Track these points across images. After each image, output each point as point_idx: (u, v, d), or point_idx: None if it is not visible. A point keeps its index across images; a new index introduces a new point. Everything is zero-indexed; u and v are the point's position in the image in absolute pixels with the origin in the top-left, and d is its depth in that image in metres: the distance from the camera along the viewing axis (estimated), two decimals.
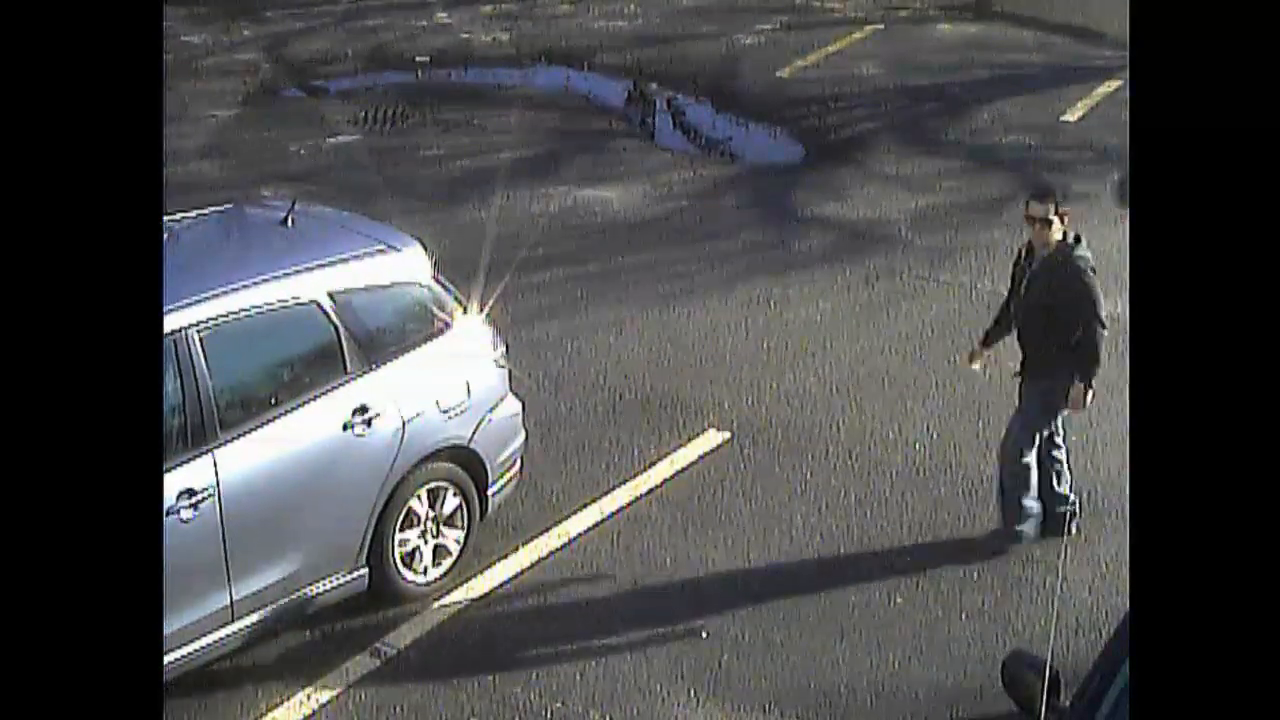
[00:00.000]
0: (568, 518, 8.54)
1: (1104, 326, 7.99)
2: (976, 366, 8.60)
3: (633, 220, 12.59)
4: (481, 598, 7.94)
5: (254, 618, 7.22)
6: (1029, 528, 8.28)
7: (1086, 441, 9.34)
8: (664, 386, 9.93)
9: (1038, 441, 8.20)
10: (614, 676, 7.39)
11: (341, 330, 7.46)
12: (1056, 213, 7.96)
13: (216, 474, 6.94)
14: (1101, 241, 11.90)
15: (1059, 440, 8.33)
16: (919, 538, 8.44)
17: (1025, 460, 8.18)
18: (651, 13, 17.94)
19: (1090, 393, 8.00)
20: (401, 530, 7.73)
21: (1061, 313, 7.98)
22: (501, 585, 8.03)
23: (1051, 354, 8.02)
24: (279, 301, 7.31)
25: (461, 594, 7.93)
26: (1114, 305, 10.85)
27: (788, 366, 10.24)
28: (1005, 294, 8.41)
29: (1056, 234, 7.98)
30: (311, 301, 7.41)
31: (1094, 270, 8.02)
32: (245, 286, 7.22)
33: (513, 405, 8.26)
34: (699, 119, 15.15)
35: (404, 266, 7.89)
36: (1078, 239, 8.04)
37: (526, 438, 8.41)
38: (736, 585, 8.04)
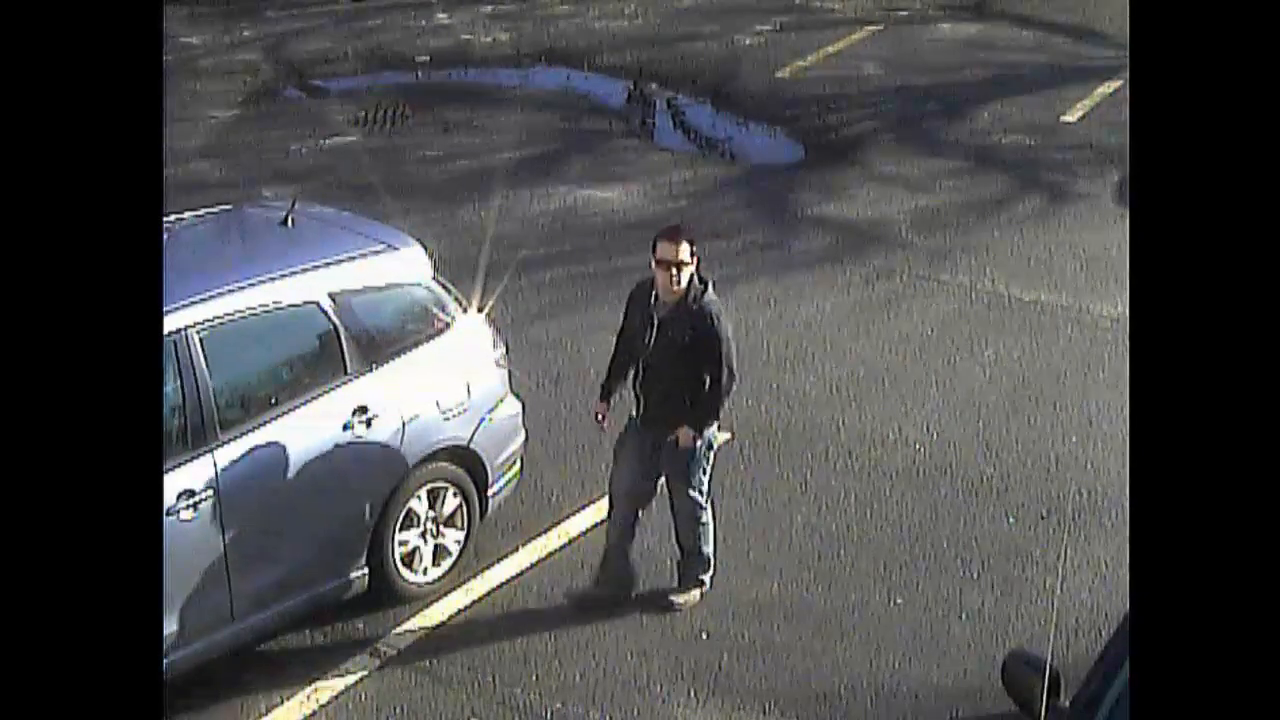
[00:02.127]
0: (568, 518, 8.54)
1: (734, 379, 7.48)
2: (606, 425, 7.86)
3: (633, 220, 12.58)
4: (481, 598, 7.94)
5: (254, 618, 7.23)
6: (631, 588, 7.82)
7: (1087, 441, 9.36)
8: None
9: (695, 493, 7.66)
10: (614, 676, 7.39)
11: (341, 330, 7.47)
12: (692, 253, 7.30)
13: (216, 474, 6.94)
14: (1102, 241, 11.99)
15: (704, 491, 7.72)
16: (919, 538, 8.43)
17: (705, 520, 7.71)
18: (651, 13, 17.94)
19: (696, 440, 7.48)
20: (401, 530, 7.72)
21: (695, 363, 7.39)
22: (501, 585, 8.03)
23: (682, 405, 7.46)
24: (279, 301, 7.31)
25: (461, 594, 7.93)
26: (1114, 305, 10.96)
27: (788, 366, 10.24)
28: (637, 335, 7.54)
29: (686, 277, 7.32)
30: (311, 302, 7.41)
31: (724, 317, 7.43)
32: (245, 286, 7.22)
33: (513, 405, 8.27)
34: (699, 119, 15.15)
35: (404, 266, 7.89)
36: (704, 282, 7.40)
37: (526, 438, 8.41)
38: (736, 585, 8.04)
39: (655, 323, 7.43)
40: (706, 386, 7.40)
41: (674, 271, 7.28)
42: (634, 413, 7.67)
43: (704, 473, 7.64)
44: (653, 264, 7.37)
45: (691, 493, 7.63)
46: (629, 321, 7.64)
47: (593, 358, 10.27)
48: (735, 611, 7.84)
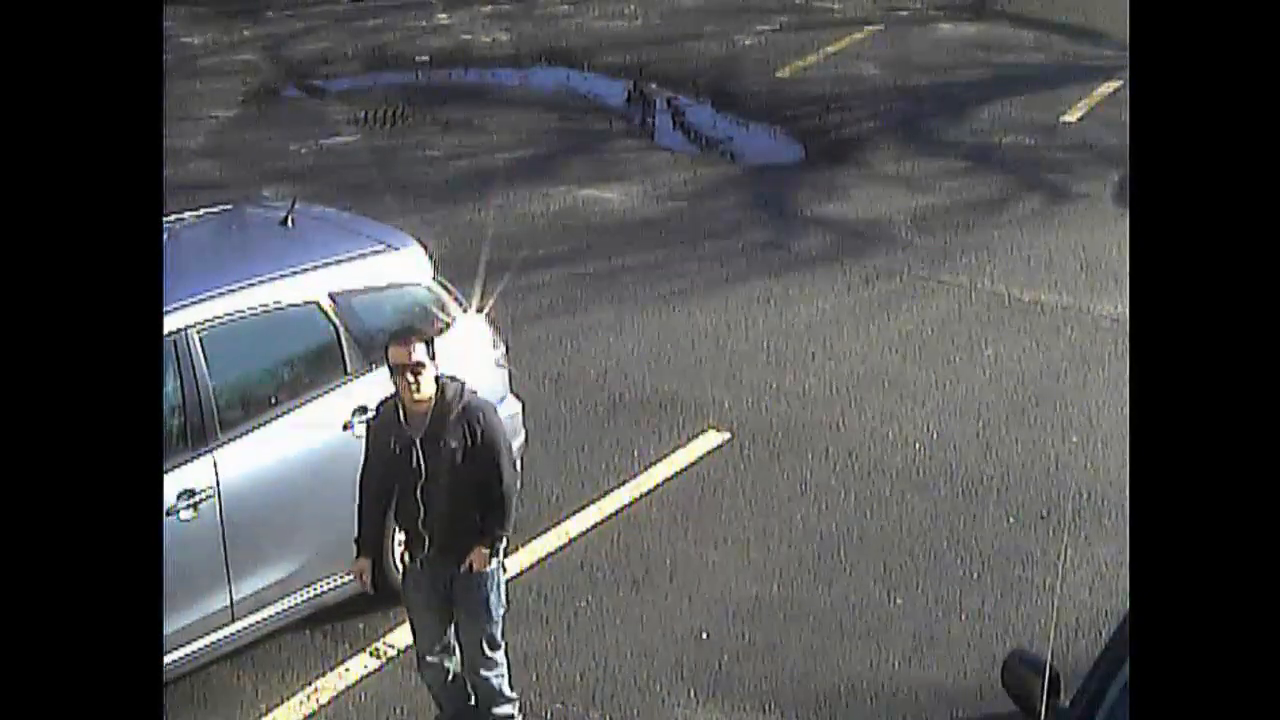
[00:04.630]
0: (568, 518, 8.55)
1: (518, 478, 6.68)
2: (369, 584, 6.77)
3: (633, 220, 12.60)
4: None
5: (254, 618, 7.23)
6: None
7: (1087, 441, 9.35)
8: (664, 386, 9.93)
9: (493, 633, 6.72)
10: (614, 676, 7.39)
11: (341, 330, 7.47)
12: (430, 353, 6.37)
13: (216, 474, 6.94)
14: (1102, 241, 11.99)
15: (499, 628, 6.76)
16: (919, 538, 8.43)
17: (499, 659, 6.74)
18: (651, 13, 17.94)
19: (491, 557, 6.55)
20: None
21: (476, 474, 6.44)
22: None
23: (472, 526, 6.51)
24: (279, 301, 7.31)
25: None
26: (1114, 305, 10.96)
27: (788, 366, 10.25)
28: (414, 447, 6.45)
29: (429, 383, 6.36)
30: (311, 301, 7.42)
31: (494, 413, 6.58)
32: (245, 286, 7.23)
33: (513, 405, 8.26)
34: (699, 119, 15.16)
35: (404, 266, 7.89)
36: (460, 382, 6.50)
37: (526, 438, 8.40)
38: (736, 585, 8.04)
39: (416, 444, 6.42)
40: (493, 496, 6.50)
41: (411, 378, 6.31)
42: (408, 557, 6.70)
43: (500, 601, 6.68)
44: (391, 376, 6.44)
45: (485, 627, 6.66)
46: (377, 452, 6.57)
47: (593, 358, 10.30)
48: (735, 611, 7.85)
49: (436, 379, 6.41)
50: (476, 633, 6.69)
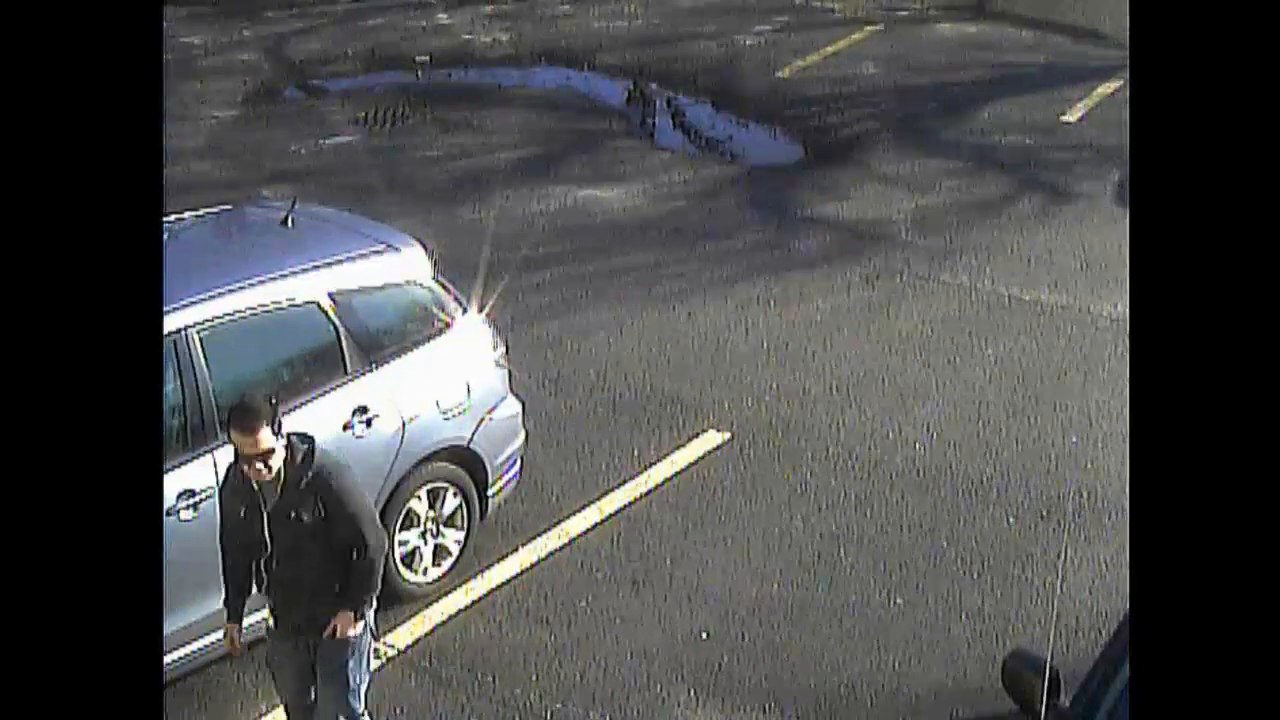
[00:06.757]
0: (568, 518, 8.55)
1: (381, 538, 6.20)
2: (240, 650, 6.56)
3: (633, 220, 12.59)
4: (481, 598, 7.95)
5: (254, 618, 7.21)
6: None
7: (1087, 441, 9.35)
8: (664, 386, 9.93)
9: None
10: (614, 676, 7.39)
11: (341, 330, 7.47)
12: (276, 429, 5.95)
13: (217, 474, 6.93)
14: (1102, 241, 11.99)
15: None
16: (919, 538, 8.43)
17: None
18: (651, 13, 17.93)
19: (359, 622, 6.22)
20: (401, 530, 7.72)
21: (332, 540, 6.09)
22: (501, 585, 8.03)
23: (331, 595, 6.20)
24: (279, 301, 7.31)
25: (461, 594, 7.93)
26: (1114, 305, 10.96)
27: (788, 366, 10.24)
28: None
29: (278, 459, 5.99)
30: (312, 302, 7.42)
31: (344, 474, 6.12)
32: (245, 286, 7.23)
33: (513, 405, 8.27)
34: (699, 119, 15.15)
35: (404, 266, 7.89)
36: (307, 441, 6.11)
37: (526, 438, 8.41)
38: (736, 585, 8.04)
39: (265, 515, 6.10)
40: (355, 559, 6.15)
41: (260, 465, 5.97)
42: (270, 622, 6.40)
43: (363, 670, 6.37)
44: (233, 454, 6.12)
45: (343, 697, 6.35)
46: (228, 518, 6.26)
47: (593, 358, 10.31)
48: (735, 611, 7.85)
49: (288, 442, 6.05)
50: (331, 703, 6.39)
